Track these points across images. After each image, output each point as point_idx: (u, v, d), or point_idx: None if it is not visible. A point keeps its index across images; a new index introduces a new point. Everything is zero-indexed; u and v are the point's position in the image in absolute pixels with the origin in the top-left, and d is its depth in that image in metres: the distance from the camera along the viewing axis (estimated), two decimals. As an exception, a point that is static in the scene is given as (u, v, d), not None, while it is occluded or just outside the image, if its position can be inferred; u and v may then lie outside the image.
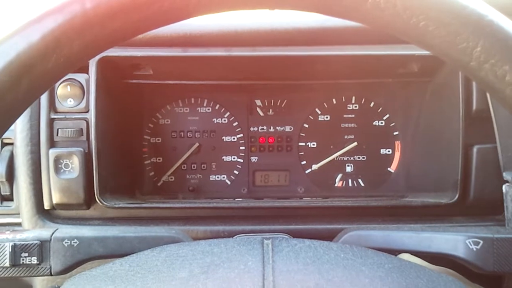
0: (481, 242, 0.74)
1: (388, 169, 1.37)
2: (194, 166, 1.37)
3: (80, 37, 0.46)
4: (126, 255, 0.69)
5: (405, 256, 0.87)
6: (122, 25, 0.47)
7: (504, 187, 1.01)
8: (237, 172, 1.38)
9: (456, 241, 0.76)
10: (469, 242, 0.74)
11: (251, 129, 1.38)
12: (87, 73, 1.10)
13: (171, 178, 1.37)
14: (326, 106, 1.37)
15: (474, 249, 0.74)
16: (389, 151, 1.37)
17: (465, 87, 1.09)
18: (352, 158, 1.38)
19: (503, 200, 1.01)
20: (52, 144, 1.11)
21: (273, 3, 0.49)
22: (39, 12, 0.47)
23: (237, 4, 0.48)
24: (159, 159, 1.37)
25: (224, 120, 1.37)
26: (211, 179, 1.38)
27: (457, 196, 1.09)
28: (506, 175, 1.02)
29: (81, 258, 0.78)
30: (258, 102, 1.38)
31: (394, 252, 0.79)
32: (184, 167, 1.37)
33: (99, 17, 0.46)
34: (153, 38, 1.09)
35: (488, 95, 1.06)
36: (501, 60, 0.44)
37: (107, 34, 0.47)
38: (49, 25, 0.45)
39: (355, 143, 1.37)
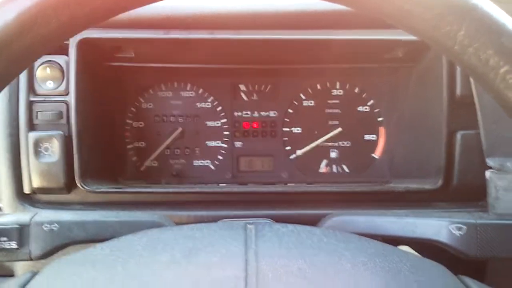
0: (465, 227, 0.75)
1: (372, 155, 1.37)
2: (177, 151, 1.36)
3: (57, 16, 0.45)
4: (108, 239, 0.68)
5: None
6: (100, 4, 0.46)
7: (487, 173, 1.02)
8: (221, 157, 1.37)
9: (439, 226, 0.76)
10: (452, 227, 0.75)
11: (235, 113, 1.37)
12: (67, 55, 1.08)
13: (154, 163, 1.36)
14: (310, 91, 1.37)
15: (458, 235, 0.75)
16: (373, 137, 1.37)
17: (448, 73, 1.09)
18: (336, 144, 1.38)
19: (486, 186, 1.02)
20: (31, 127, 1.09)
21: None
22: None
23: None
24: (141, 144, 1.35)
25: (208, 105, 1.36)
26: (195, 164, 1.37)
27: (440, 182, 1.10)
28: (489, 161, 1.03)
29: (61, 243, 0.77)
30: (242, 87, 1.37)
31: (378, 237, 0.79)
32: (167, 152, 1.36)
33: None
34: (134, 20, 1.07)
35: (471, 80, 1.07)
36: (485, 44, 0.44)
37: (84, 14, 0.46)
38: (26, 3, 0.44)
39: (340, 129, 1.36)
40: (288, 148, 1.38)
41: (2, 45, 0.44)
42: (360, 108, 1.37)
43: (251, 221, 0.69)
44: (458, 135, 1.10)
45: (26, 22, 0.44)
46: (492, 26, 0.44)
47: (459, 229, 0.74)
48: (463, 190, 1.12)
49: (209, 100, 1.36)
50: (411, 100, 1.26)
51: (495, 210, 0.98)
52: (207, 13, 1.08)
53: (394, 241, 0.90)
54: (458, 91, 1.09)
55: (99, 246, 0.65)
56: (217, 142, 1.37)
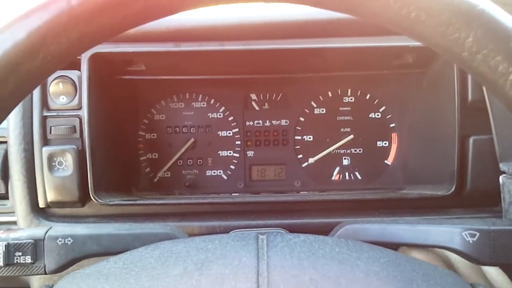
0: (478, 234, 0.74)
1: (385, 161, 1.37)
2: (190, 162, 1.37)
3: (66, 34, 0.46)
4: (121, 252, 0.69)
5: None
6: (108, 21, 0.46)
7: (500, 178, 1.01)
8: (233, 167, 1.37)
9: (452, 233, 0.75)
10: (466, 234, 0.74)
11: (247, 123, 1.38)
12: (79, 70, 1.10)
13: (167, 174, 1.37)
14: (321, 99, 1.37)
15: (471, 241, 0.74)
16: (385, 143, 1.37)
17: (460, 78, 1.08)
18: (348, 151, 1.37)
19: (500, 191, 1.01)
20: (45, 142, 1.10)
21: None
22: (24, 9, 0.46)
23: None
24: (154, 155, 1.36)
25: (220, 115, 1.37)
26: (207, 174, 1.38)
27: (453, 188, 1.09)
28: (502, 166, 1.02)
29: (75, 256, 0.77)
30: (253, 96, 1.38)
31: (391, 245, 0.79)
32: (180, 162, 1.37)
33: (85, 14, 0.45)
34: (145, 34, 1.08)
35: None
36: (493, 50, 0.44)
37: (93, 31, 0.47)
38: (35, 23, 0.45)
39: (352, 136, 1.36)
40: (300, 156, 1.38)
41: (14, 65, 0.45)
42: (371, 115, 1.37)
43: (263, 232, 0.69)
44: (471, 140, 1.09)
45: (36, 42, 0.45)
46: (500, 31, 0.44)
47: (472, 235, 0.73)
48: (477, 195, 1.11)
49: (220, 110, 1.37)
50: (422, 105, 1.25)
51: (509, 216, 0.96)
52: (216, 25, 1.09)
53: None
54: (470, 96, 1.08)
55: (112, 259, 0.65)
56: (229, 151, 1.38)
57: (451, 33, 0.45)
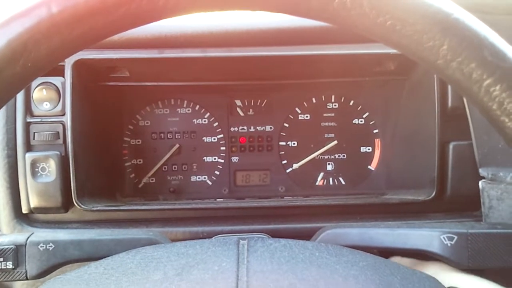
0: (456, 237, 0.75)
1: (369, 167, 1.38)
2: (175, 167, 1.37)
3: (47, 41, 0.46)
4: (103, 258, 0.69)
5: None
6: (89, 28, 0.47)
7: (480, 183, 1.03)
8: (218, 173, 1.38)
9: (431, 237, 0.77)
10: (444, 237, 0.75)
11: (232, 129, 1.38)
12: (63, 76, 1.09)
13: (152, 180, 1.37)
14: (306, 105, 1.38)
15: (449, 245, 0.75)
16: (369, 149, 1.38)
17: (440, 85, 1.10)
18: (332, 157, 1.39)
19: (479, 196, 1.02)
20: (28, 148, 1.10)
21: (239, 4, 0.49)
22: (5, 16, 0.46)
23: (203, 7, 0.48)
24: (139, 161, 1.36)
25: (204, 121, 1.37)
26: (192, 179, 1.38)
27: (434, 193, 1.10)
28: (482, 171, 1.03)
29: (57, 262, 0.77)
30: (238, 102, 1.38)
31: (373, 249, 0.80)
32: (165, 168, 1.37)
33: (65, 21, 0.45)
34: (128, 40, 1.08)
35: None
36: (467, 58, 0.45)
37: (74, 38, 0.47)
38: (16, 30, 0.45)
39: (335, 142, 1.37)
40: (284, 162, 1.38)
41: (-6, 71, 0.45)
42: (355, 121, 1.38)
43: (244, 237, 0.70)
44: (451, 146, 1.11)
45: (16, 49, 0.45)
46: (474, 40, 0.45)
47: (450, 239, 0.74)
48: (457, 200, 1.12)
49: (205, 116, 1.37)
50: (404, 112, 1.27)
51: (489, 220, 0.98)
52: (200, 32, 1.09)
53: (389, 252, 0.91)
54: (450, 102, 1.10)
55: (93, 264, 0.65)
56: (214, 157, 1.38)
57: (426, 42, 0.45)
